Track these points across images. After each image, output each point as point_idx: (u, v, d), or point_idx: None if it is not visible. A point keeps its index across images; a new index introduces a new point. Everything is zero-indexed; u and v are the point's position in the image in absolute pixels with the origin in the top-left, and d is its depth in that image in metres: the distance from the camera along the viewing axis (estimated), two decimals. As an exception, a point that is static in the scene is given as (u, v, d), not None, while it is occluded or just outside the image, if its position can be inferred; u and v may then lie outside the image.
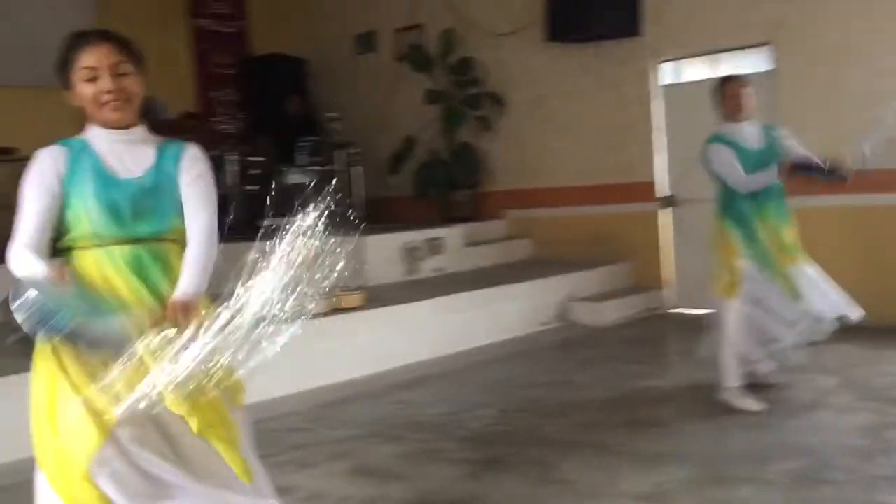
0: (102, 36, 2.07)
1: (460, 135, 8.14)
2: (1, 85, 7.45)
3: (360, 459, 3.66)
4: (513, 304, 6.15)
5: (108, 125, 2.10)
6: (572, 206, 7.53)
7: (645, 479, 3.21)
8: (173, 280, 2.08)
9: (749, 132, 4.08)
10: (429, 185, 8.11)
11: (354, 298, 5.38)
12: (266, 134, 8.75)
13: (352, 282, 6.01)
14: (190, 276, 2.08)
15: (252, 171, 7.89)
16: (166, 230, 2.11)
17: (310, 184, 7.30)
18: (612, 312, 6.47)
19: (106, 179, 2.06)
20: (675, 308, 6.86)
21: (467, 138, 8.14)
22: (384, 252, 6.56)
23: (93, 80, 2.03)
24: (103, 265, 2.04)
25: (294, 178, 7.32)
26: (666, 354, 5.81)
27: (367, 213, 8.24)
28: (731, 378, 4.04)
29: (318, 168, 7.81)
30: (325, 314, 5.16)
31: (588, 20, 6.93)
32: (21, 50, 7.34)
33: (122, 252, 2.05)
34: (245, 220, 7.56)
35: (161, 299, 2.05)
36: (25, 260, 1.97)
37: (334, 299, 5.28)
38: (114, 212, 2.04)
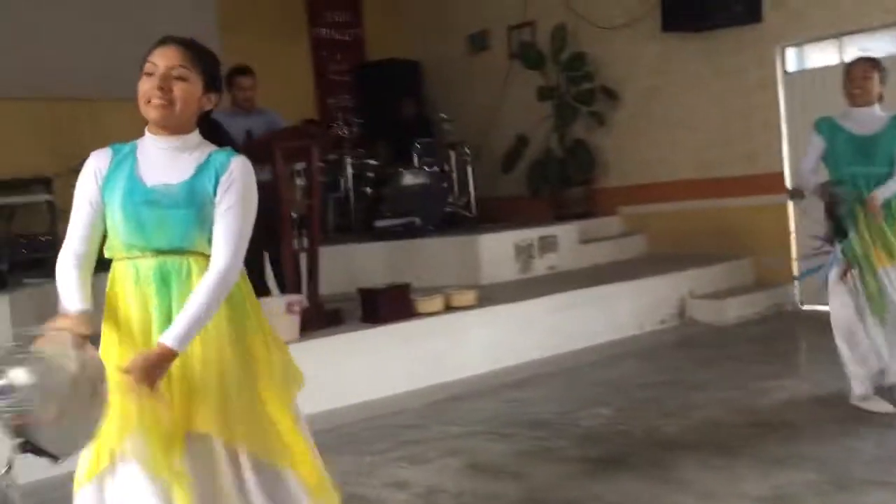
0: (176, 41, 2.04)
1: (573, 131, 8.06)
2: (133, 99, 7.94)
3: (474, 456, 3.69)
4: (629, 302, 6.04)
5: (152, 126, 2.04)
6: (690, 199, 7.32)
7: (766, 481, 3.10)
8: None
9: (864, 118, 3.84)
10: (542, 182, 8.07)
11: (467, 297, 5.42)
12: (381, 137, 8.95)
13: (465, 280, 6.08)
14: (177, 324, 1.92)
15: (368, 174, 8.08)
16: (189, 245, 1.99)
17: (424, 184, 7.42)
18: (734, 310, 6.25)
19: (134, 187, 1.99)
20: (803, 305, 6.56)
21: (580, 134, 8.06)
22: (497, 251, 6.58)
23: (150, 74, 2.00)
24: (127, 279, 1.99)
25: (408, 179, 7.45)
26: (792, 353, 5.56)
27: (479, 213, 8.32)
28: (858, 378, 3.83)
29: (431, 169, 7.92)
30: (438, 313, 5.25)
31: (706, 8, 6.73)
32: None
33: (146, 265, 1.98)
34: (362, 221, 7.84)
35: (151, 320, 1.99)
36: (66, 275, 1.97)
37: (447, 298, 5.36)
38: (137, 221, 1.96)
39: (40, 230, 7.17)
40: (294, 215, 5.08)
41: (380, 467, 3.63)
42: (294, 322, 4.59)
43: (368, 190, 8.03)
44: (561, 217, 7.85)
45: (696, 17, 6.84)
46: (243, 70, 5.57)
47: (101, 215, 2.02)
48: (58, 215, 7.14)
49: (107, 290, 2.05)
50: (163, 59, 1.99)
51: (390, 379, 4.86)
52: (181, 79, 1.99)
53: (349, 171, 7.97)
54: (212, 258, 1.99)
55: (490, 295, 5.71)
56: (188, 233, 1.99)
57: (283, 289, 5.10)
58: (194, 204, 1.98)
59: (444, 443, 3.91)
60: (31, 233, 7.13)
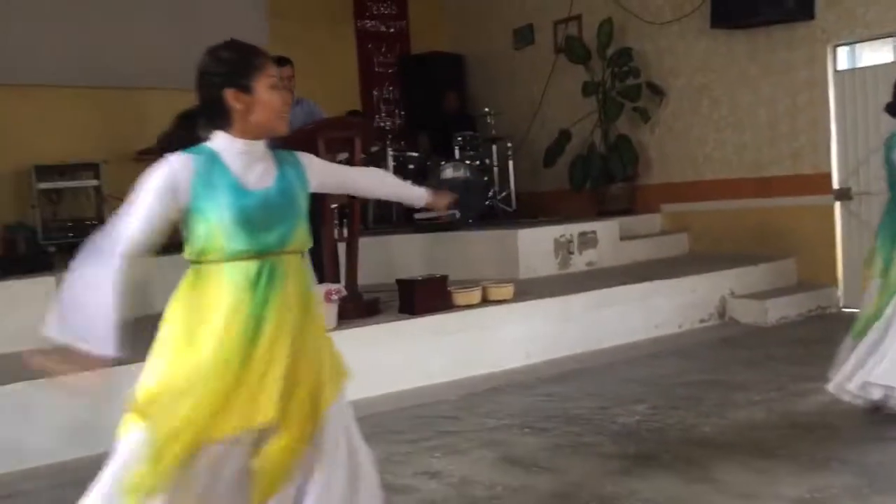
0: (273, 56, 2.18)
1: (617, 127, 8.00)
2: (184, 88, 8.04)
3: (508, 449, 3.69)
4: (668, 300, 5.98)
5: (266, 135, 2.11)
6: (734, 198, 7.22)
7: (803, 483, 3.05)
8: (301, 290, 2.13)
9: None
10: (583, 178, 8.02)
11: (504, 291, 5.41)
12: (424, 130, 8.97)
13: (503, 274, 6.08)
14: (406, 186, 2.67)
15: (409, 166, 8.11)
16: (292, 241, 2.10)
17: (465, 178, 7.42)
18: (776, 311, 6.15)
19: (238, 191, 2.03)
20: (846, 307, 6.44)
21: (624, 130, 8.00)
22: (536, 245, 6.56)
23: (275, 88, 2.07)
24: (225, 280, 2.02)
25: (449, 172, 7.45)
26: (833, 356, 5.45)
27: (520, 207, 8.30)
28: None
29: (473, 162, 7.91)
30: (475, 306, 5.25)
31: (756, 4, 6.61)
32: (199, 57, 7.90)
33: (248, 266, 2.03)
34: (402, 213, 7.88)
35: (284, 315, 2.06)
36: (106, 269, 1.96)
37: (485, 291, 5.36)
38: (247, 223, 2.01)
39: (87, 215, 7.34)
40: (334, 206, 5.12)
41: (413, 457, 3.65)
42: (332, 311, 4.64)
43: (409, 182, 8.05)
44: (602, 213, 7.80)
45: (746, 13, 6.73)
46: (282, 60, 5.60)
47: (167, 217, 2.01)
48: (104, 200, 7.30)
49: (188, 289, 2.06)
50: (280, 73, 2.21)
51: (426, 370, 4.88)
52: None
53: (391, 162, 8.00)
54: (367, 178, 2.62)
55: (528, 289, 5.70)
56: (294, 231, 2.10)
57: (321, 278, 5.15)
58: (292, 199, 2.12)
59: (479, 435, 3.91)
60: (77, 217, 7.30)
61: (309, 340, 2.12)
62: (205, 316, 2.01)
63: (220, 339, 2.00)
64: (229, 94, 2.05)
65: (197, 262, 2.06)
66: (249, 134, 2.08)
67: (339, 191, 2.46)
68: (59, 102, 7.57)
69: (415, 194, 2.62)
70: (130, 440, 2.01)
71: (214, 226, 2.00)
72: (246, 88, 2.04)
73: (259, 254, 2.03)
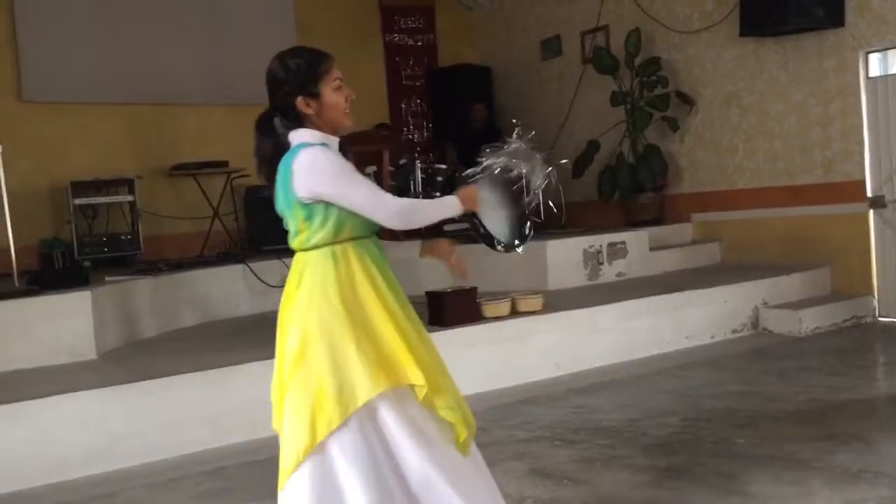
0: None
1: (646, 136, 7.97)
2: (216, 104, 8.17)
3: (538, 461, 3.68)
4: (700, 311, 5.93)
5: (338, 131, 2.32)
6: (766, 207, 7.15)
7: (839, 496, 3.01)
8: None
9: None
10: (613, 188, 7.99)
11: (533, 302, 5.41)
12: (452, 142, 9.01)
13: (532, 285, 6.06)
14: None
15: (437, 178, 8.13)
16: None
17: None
18: (810, 320, 6.07)
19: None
20: (883, 317, 6.34)
21: (653, 140, 7.96)
22: (565, 256, 6.55)
23: (340, 89, 2.26)
24: (363, 254, 2.27)
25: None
26: (870, 366, 5.37)
27: (547, 218, 8.27)
28: None
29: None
30: (505, 317, 5.25)
31: (786, 12, 6.55)
32: (231, 73, 8.01)
33: (370, 243, 2.31)
34: (432, 225, 7.89)
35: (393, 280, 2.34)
36: (417, 201, 2.35)
37: (514, 302, 5.36)
38: None
39: (122, 230, 7.46)
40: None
41: (443, 469, 3.65)
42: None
43: (437, 194, 8.07)
44: (631, 223, 7.76)
45: (776, 22, 6.67)
46: None
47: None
48: (139, 215, 7.42)
49: (333, 265, 2.24)
50: (342, 73, 2.29)
51: (456, 382, 4.88)
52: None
53: (419, 174, 8.02)
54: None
55: (557, 300, 5.69)
56: None
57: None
58: None
59: (509, 447, 3.91)
60: (112, 232, 7.42)
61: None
62: (358, 281, 2.24)
63: (375, 298, 2.25)
64: (300, 102, 2.25)
65: (325, 245, 2.23)
66: (326, 129, 2.28)
67: None
68: (94, 119, 7.72)
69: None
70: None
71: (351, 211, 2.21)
72: (314, 95, 2.24)
73: (370, 234, 2.32)
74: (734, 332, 6.10)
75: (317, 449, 2.09)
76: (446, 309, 5.08)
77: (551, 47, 9.19)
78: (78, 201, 7.20)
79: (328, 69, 2.26)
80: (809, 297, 6.45)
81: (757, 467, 3.39)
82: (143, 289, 5.66)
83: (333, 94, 2.25)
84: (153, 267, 6.26)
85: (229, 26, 8.37)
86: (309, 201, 2.19)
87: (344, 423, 2.09)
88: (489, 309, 5.24)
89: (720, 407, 4.36)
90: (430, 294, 5.25)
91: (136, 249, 7.33)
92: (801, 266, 6.67)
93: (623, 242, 6.84)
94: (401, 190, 7.93)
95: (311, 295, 2.20)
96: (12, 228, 4.91)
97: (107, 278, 5.58)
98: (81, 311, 4.78)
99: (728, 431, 3.92)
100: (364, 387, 2.11)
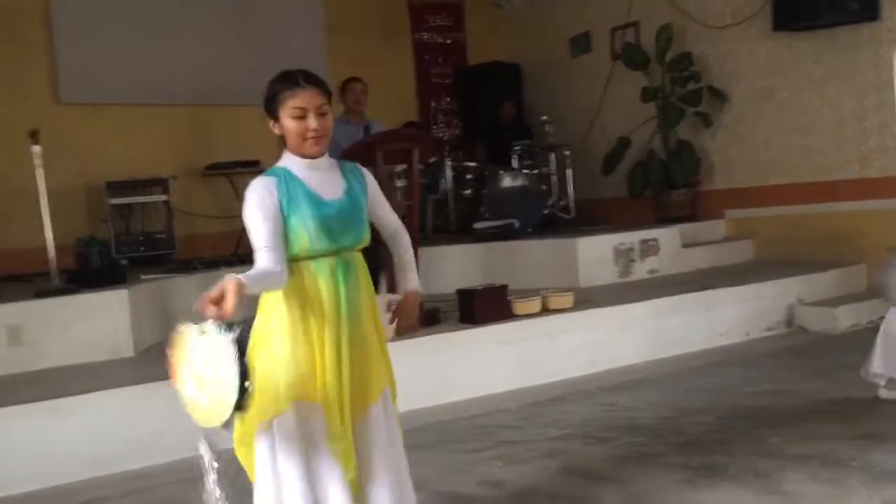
0: (309, 79, 2.32)
1: (677, 132, 7.91)
2: (248, 104, 8.23)
3: (570, 459, 3.68)
4: (734, 308, 5.88)
5: (305, 156, 2.35)
6: (801, 203, 7.07)
7: (877, 495, 2.97)
8: (364, 280, 2.43)
9: None
10: (644, 184, 7.95)
11: (564, 299, 5.40)
12: (481, 139, 9.01)
13: (563, 283, 6.05)
14: (411, 275, 2.64)
15: (467, 176, 8.14)
16: (361, 241, 2.41)
17: (522, 187, 7.42)
18: (846, 318, 5.99)
19: (317, 202, 2.32)
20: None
21: (685, 136, 7.90)
22: (596, 254, 6.52)
23: (300, 118, 2.30)
24: (316, 274, 2.33)
25: (507, 181, 7.46)
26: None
27: (578, 215, 8.26)
28: None
29: (531, 171, 7.91)
30: (535, 315, 5.25)
31: (819, 5, 6.49)
32: (262, 73, 8.07)
33: (330, 262, 2.34)
34: (460, 223, 7.92)
35: (355, 300, 2.37)
36: (263, 268, 2.22)
37: (545, 300, 5.35)
38: (327, 228, 2.31)
39: (157, 229, 7.56)
40: (394, 216, 5.17)
41: (475, 466, 3.66)
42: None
43: (468, 192, 8.10)
44: (663, 220, 7.71)
45: (809, 16, 6.60)
46: (357, 78, 6.16)
47: (281, 226, 2.29)
48: (173, 214, 7.51)
49: (290, 281, 2.30)
50: (307, 101, 2.30)
51: (487, 379, 4.90)
52: (325, 114, 2.33)
53: (449, 172, 8.05)
54: (392, 227, 2.60)
55: (588, 298, 5.67)
56: (363, 233, 2.41)
57: (377, 287, 5.20)
58: (359, 206, 2.42)
59: (541, 444, 3.91)
60: (148, 231, 7.53)
61: (368, 326, 2.43)
62: (295, 298, 2.31)
63: (299, 318, 2.30)
64: (272, 124, 2.37)
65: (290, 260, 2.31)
66: (300, 155, 2.35)
67: (371, 215, 2.57)
68: (129, 120, 7.82)
69: (406, 284, 2.66)
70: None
71: (300, 231, 2.29)
72: (277, 119, 2.34)
73: (337, 252, 2.34)
74: (769, 329, 6.03)
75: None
76: (477, 306, 5.09)
77: (581, 44, 9.16)
78: (114, 201, 7.31)
79: (285, 99, 2.30)
80: (845, 294, 6.37)
81: (792, 466, 3.36)
82: (178, 287, 5.73)
83: (289, 122, 2.31)
84: (188, 265, 6.34)
85: (260, 27, 8.43)
86: None
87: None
88: (520, 306, 5.24)
89: (755, 405, 4.32)
90: (460, 292, 5.26)
91: (171, 248, 7.43)
92: (837, 262, 6.58)
93: (655, 239, 6.80)
94: (430, 187, 7.98)
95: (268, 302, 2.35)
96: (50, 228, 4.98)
97: (142, 277, 5.66)
98: (119, 309, 4.85)
99: (763, 430, 3.88)
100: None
